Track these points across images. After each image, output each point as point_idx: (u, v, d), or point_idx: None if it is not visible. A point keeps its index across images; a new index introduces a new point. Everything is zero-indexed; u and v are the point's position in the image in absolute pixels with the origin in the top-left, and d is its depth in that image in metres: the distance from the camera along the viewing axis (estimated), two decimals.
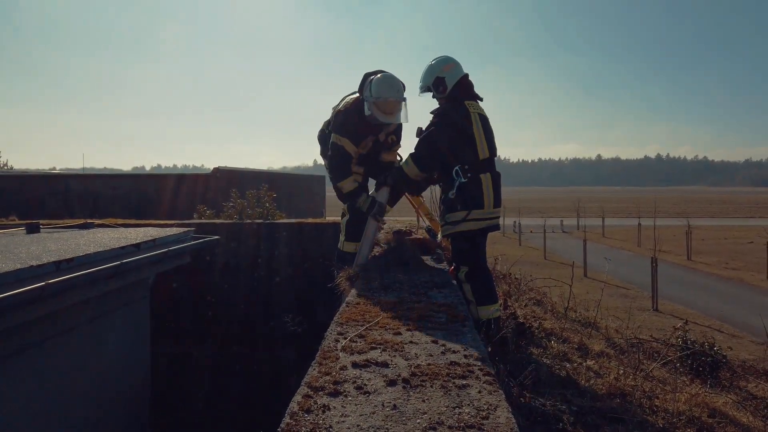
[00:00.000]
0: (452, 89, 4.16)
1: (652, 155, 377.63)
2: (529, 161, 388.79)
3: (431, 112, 4.30)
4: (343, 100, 4.65)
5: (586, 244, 21.11)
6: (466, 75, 4.25)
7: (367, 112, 4.37)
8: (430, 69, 4.24)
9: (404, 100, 4.44)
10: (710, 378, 6.35)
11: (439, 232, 4.53)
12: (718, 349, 7.03)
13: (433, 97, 4.32)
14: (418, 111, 4.54)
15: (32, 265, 3.23)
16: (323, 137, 4.80)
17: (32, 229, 5.43)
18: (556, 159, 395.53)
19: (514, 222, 36.77)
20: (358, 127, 4.44)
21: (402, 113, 4.46)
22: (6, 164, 19.67)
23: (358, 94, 4.50)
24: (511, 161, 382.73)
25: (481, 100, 4.31)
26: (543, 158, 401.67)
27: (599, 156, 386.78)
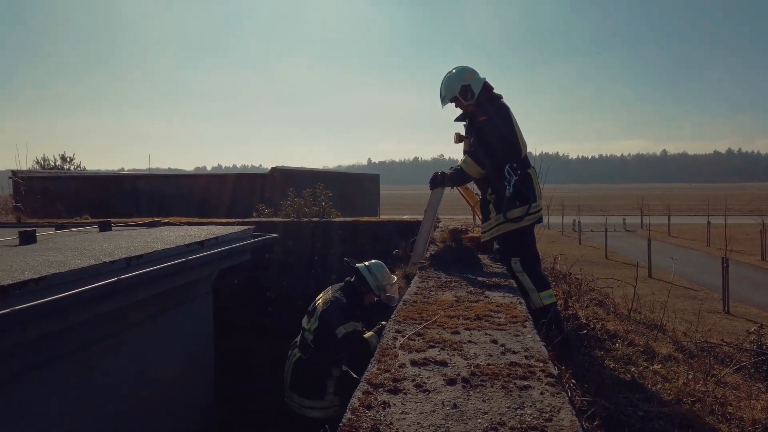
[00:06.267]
0: (479, 94, 4.25)
1: (723, 150, 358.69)
2: (589, 157, 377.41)
3: (471, 114, 4.27)
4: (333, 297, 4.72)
5: (651, 243, 20.27)
6: (485, 79, 4.33)
7: (382, 296, 4.71)
8: (454, 79, 4.30)
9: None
10: None
11: (488, 231, 4.30)
12: None
13: (456, 106, 4.38)
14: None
15: (105, 261, 3.40)
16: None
17: (104, 227, 5.73)
18: (618, 155, 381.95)
19: (574, 220, 35.79)
20: (357, 309, 4.67)
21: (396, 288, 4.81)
22: (79, 166, 20.82)
23: (344, 284, 4.77)
24: (570, 157, 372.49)
25: (502, 98, 4.37)
26: (604, 154, 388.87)
27: (665, 151, 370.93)
